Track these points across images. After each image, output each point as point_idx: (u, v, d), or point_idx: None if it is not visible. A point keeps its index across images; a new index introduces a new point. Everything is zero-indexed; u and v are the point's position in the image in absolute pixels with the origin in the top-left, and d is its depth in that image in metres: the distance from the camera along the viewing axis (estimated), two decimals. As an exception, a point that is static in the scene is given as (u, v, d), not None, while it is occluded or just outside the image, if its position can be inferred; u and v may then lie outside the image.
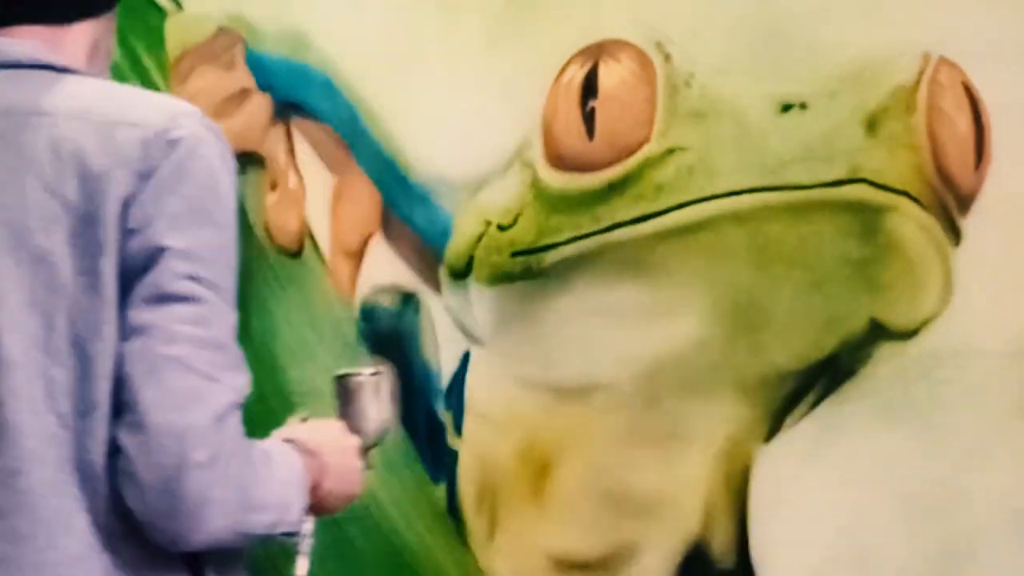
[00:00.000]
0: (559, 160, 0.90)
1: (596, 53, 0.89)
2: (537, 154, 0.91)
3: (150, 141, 0.60)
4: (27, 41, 0.64)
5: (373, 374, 0.74)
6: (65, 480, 0.60)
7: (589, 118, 0.89)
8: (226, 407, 0.59)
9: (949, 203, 0.85)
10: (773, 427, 0.89)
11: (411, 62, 0.97)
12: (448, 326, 0.97)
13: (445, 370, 0.97)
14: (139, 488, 0.59)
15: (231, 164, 0.63)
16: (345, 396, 0.74)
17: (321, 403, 1.02)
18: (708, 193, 0.86)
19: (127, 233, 0.60)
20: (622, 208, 0.88)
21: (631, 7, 0.90)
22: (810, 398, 0.88)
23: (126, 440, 0.59)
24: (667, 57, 0.88)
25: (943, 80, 0.84)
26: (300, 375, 1.03)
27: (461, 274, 0.94)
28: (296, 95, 1.02)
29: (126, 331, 0.59)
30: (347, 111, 0.99)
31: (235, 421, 0.60)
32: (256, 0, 1.04)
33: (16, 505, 0.60)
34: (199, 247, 0.60)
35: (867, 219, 0.84)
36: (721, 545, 0.91)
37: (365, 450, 0.73)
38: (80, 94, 0.63)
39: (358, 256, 1.00)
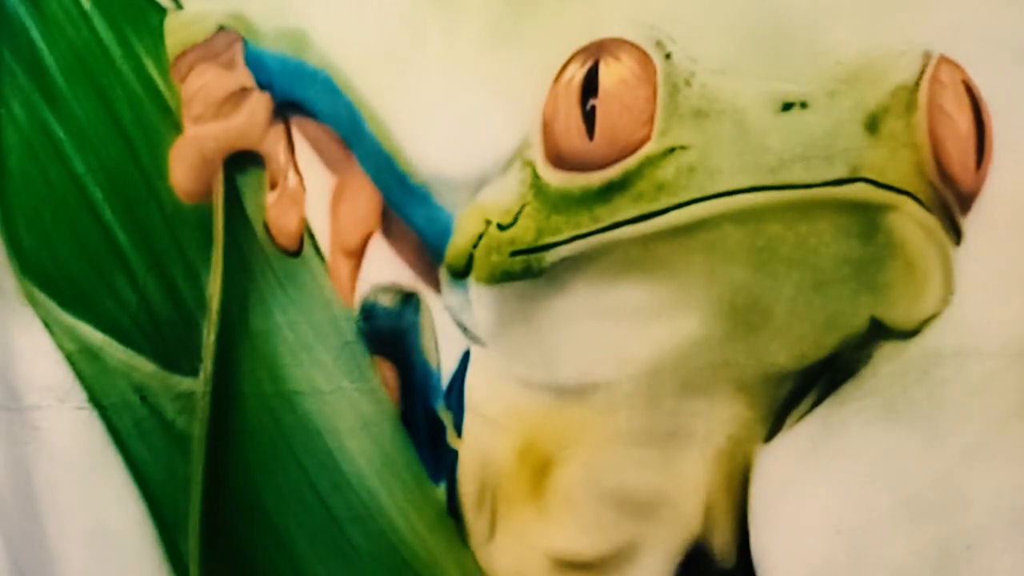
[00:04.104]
0: (559, 159, 0.90)
1: (596, 52, 0.89)
2: (537, 153, 0.91)
3: None
4: None
5: None
6: None
7: (589, 117, 0.89)
8: None
9: (950, 202, 0.85)
10: (773, 427, 0.89)
11: (411, 61, 0.97)
12: (448, 325, 0.96)
13: (445, 369, 0.97)
14: None
15: None
16: None
17: (321, 403, 1.02)
18: (708, 192, 0.86)
19: None
20: (622, 207, 0.88)
21: (631, 6, 0.90)
22: (810, 398, 0.88)
23: None
24: (667, 56, 0.88)
25: (944, 79, 0.84)
26: (300, 375, 1.02)
27: (461, 273, 0.94)
28: (296, 94, 1.02)
29: None
30: (347, 110, 0.99)
31: None
32: (256, -1, 1.04)
33: None
34: None
35: (867, 218, 0.84)
36: (721, 545, 0.91)
37: None
38: None
39: (358, 255, 1.00)
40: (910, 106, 0.84)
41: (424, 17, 0.97)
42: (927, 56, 0.84)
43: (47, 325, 1.11)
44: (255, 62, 1.04)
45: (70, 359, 1.10)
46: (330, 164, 1.01)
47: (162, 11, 1.07)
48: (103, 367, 1.09)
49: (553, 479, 0.93)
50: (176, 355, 1.07)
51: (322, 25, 1.01)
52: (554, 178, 0.90)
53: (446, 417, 0.98)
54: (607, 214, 0.88)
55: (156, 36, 1.07)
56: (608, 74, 0.89)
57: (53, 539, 1.12)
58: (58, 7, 1.09)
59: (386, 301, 1.00)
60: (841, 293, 0.85)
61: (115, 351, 1.09)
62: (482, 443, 0.96)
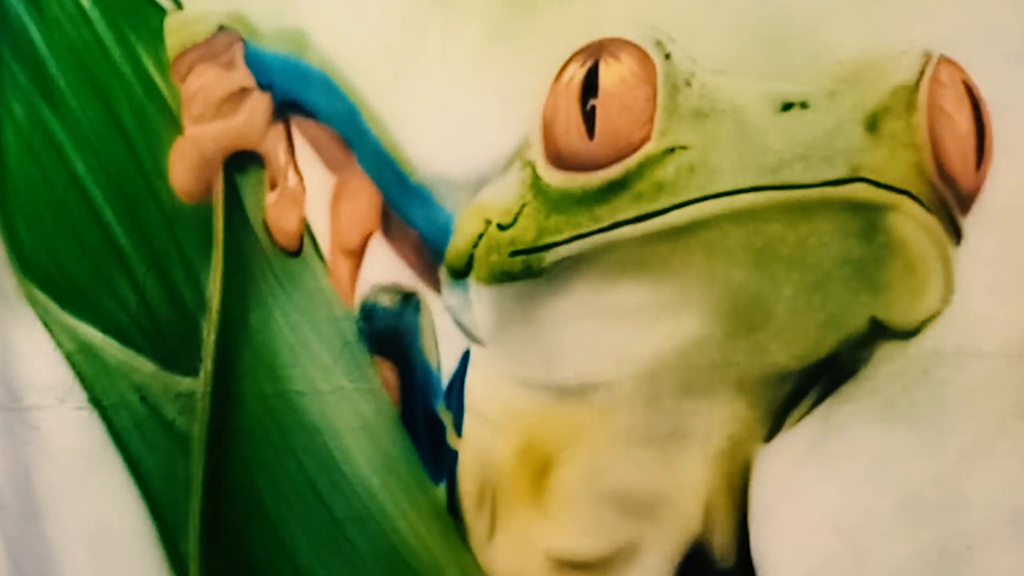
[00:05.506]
0: (559, 159, 0.90)
1: (596, 52, 0.89)
2: (537, 153, 0.91)
3: None
4: None
5: None
6: None
7: (589, 117, 0.89)
8: None
9: (950, 202, 0.85)
10: (773, 427, 0.89)
11: (411, 61, 0.97)
12: (448, 325, 0.96)
13: (445, 369, 0.97)
14: None
15: None
16: None
17: (321, 403, 1.02)
18: (708, 192, 0.86)
19: None
20: (622, 207, 0.88)
21: (631, 6, 0.90)
22: (810, 398, 0.88)
23: None
24: (667, 56, 0.88)
25: (944, 79, 0.84)
26: (300, 375, 1.02)
27: (461, 273, 0.94)
28: (296, 94, 1.02)
29: None
30: (347, 110, 0.99)
31: None
32: (256, -1, 1.04)
33: None
34: None
35: (867, 218, 0.85)
36: (721, 545, 0.91)
37: None
38: None
39: (358, 255, 1.00)
40: (910, 106, 0.84)
41: (424, 17, 0.97)
42: (927, 56, 0.85)
43: (47, 325, 1.11)
44: (255, 62, 1.04)
45: (70, 359, 1.10)
46: (330, 164, 1.01)
47: (162, 11, 1.07)
48: (103, 367, 1.09)
49: (553, 479, 0.94)
50: (176, 355, 1.07)
51: (322, 25, 1.01)
52: (554, 178, 0.90)
53: (446, 417, 0.98)
54: (607, 214, 0.88)
55: (156, 36, 1.07)
56: (608, 74, 0.89)
57: (53, 539, 1.12)
58: (58, 7, 1.09)
59: (386, 301, 1.00)
60: (841, 293, 0.85)
61: (115, 351, 1.09)
62: (482, 443, 0.96)
